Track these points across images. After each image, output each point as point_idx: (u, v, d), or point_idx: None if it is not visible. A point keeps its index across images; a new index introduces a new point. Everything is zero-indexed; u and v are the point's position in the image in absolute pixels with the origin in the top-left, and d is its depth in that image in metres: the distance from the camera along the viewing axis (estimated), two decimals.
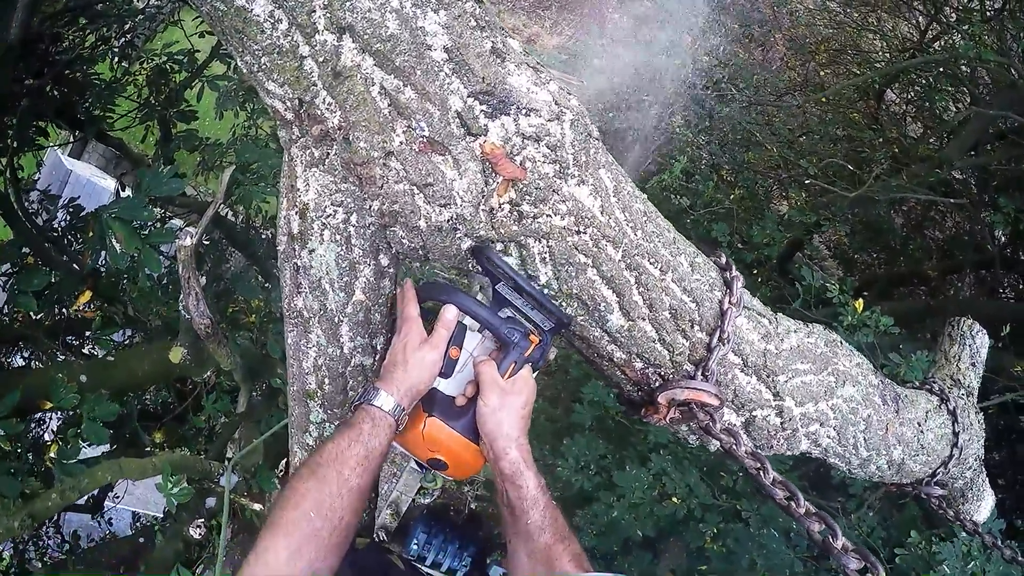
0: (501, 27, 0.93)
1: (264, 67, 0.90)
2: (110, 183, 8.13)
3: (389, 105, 0.87)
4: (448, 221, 0.92)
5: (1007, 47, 3.86)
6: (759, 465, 0.97)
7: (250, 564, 0.82)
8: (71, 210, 3.82)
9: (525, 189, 0.90)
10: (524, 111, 0.89)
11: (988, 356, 1.79)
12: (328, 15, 0.84)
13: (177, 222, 4.64)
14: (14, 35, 2.69)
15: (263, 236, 4.56)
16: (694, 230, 4.61)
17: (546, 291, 1.00)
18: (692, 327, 1.05)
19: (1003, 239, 4.48)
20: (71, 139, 5.22)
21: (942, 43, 5.26)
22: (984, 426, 1.66)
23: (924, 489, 1.58)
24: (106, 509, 4.83)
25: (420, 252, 0.99)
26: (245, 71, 0.94)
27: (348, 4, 0.83)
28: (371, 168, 0.90)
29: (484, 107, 0.87)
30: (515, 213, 0.92)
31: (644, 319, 1.02)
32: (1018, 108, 3.64)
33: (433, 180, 0.89)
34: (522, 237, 0.94)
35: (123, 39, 4.07)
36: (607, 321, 1.02)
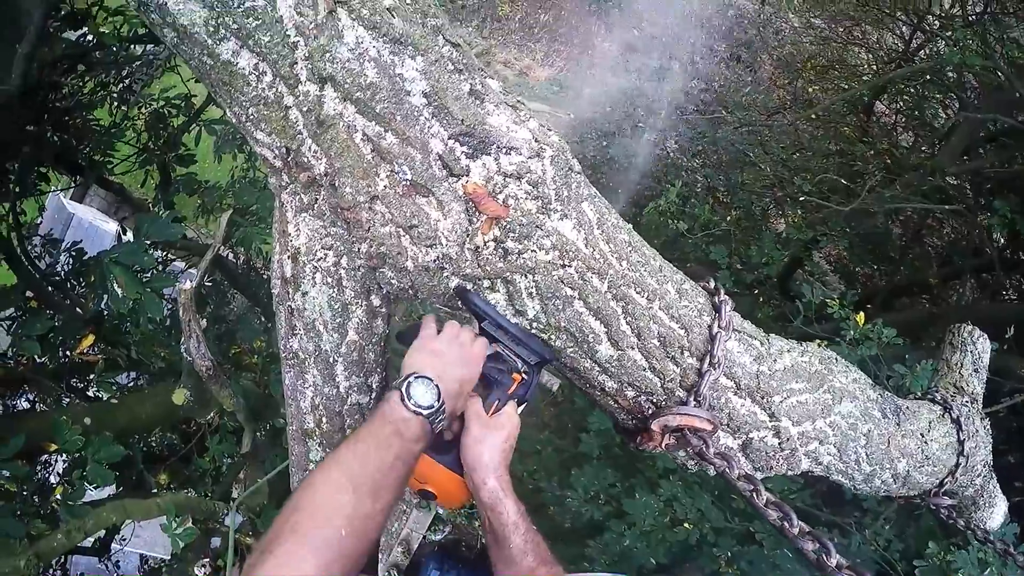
0: (480, 68, 0.95)
1: (252, 117, 0.92)
2: (112, 226, 8.21)
3: (372, 151, 0.89)
4: (435, 261, 0.94)
5: (991, 50, 3.90)
6: (752, 487, 0.97)
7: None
8: (73, 254, 3.86)
9: (509, 226, 0.92)
10: (504, 150, 0.91)
11: (994, 358, 1.78)
12: (309, 66, 0.87)
13: (179, 264, 4.68)
14: (15, 84, 2.75)
15: (264, 277, 4.59)
16: (693, 253, 4.62)
17: (535, 325, 1.01)
18: (682, 353, 1.05)
19: (1001, 241, 4.48)
20: (72, 183, 5.30)
21: (927, 51, 5.32)
22: (991, 432, 1.65)
23: (933, 500, 1.56)
24: (113, 552, 4.79)
25: (410, 292, 1.00)
26: (234, 121, 0.97)
27: (328, 55, 0.86)
28: (358, 212, 0.92)
29: (465, 148, 0.89)
30: (500, 250, 0.93)
31: (633, 348, 1.03)
32: (1006, 110, 3.67)
33: (418, 221, 0.91)
34: (508, 273, 0.95)
35: (121, 85, 4.16)
36: (596, 352, 1.02)
